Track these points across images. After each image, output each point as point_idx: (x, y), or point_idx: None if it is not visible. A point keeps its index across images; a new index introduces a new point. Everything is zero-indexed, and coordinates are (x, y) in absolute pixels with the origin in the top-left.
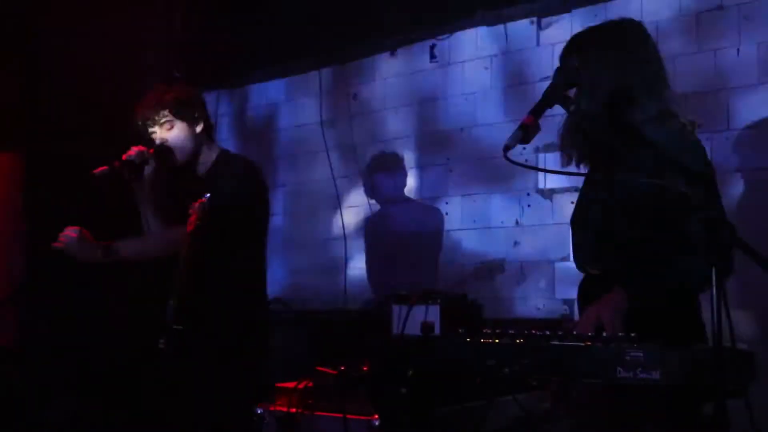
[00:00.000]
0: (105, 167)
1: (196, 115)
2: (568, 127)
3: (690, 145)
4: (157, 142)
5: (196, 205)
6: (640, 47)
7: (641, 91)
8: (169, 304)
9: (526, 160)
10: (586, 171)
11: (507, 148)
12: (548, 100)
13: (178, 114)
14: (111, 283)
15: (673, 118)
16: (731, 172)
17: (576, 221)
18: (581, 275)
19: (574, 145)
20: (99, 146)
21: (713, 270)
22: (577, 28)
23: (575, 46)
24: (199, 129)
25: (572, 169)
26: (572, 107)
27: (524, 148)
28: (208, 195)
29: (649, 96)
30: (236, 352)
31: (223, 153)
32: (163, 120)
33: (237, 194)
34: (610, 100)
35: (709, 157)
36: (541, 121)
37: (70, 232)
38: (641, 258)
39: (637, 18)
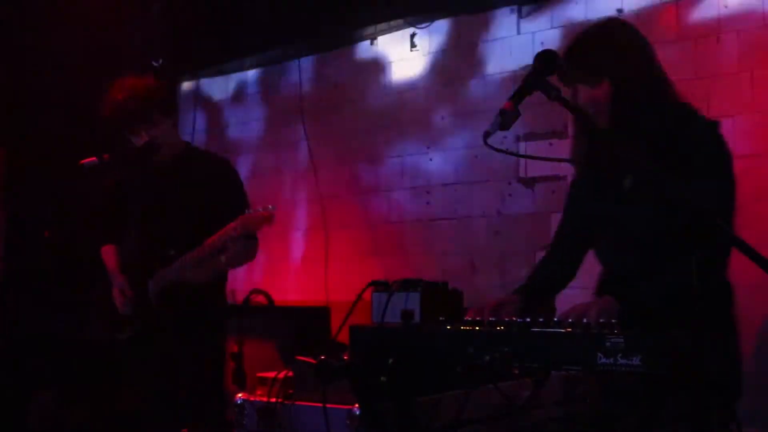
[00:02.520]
0: (93, 158)
1: (172, 109)
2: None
3: (714, 141)
4: (143, 138)
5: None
6: (643, 40)
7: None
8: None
9: (507, 149)
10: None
11: (487, 134)
12: (528, 86)
13: (163, 110)
14: (90, 278)
15: (696, 114)
16: None
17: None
18: None
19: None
20: (79, 139)
21: (693, 259)
22: (558, 17)
23: (590, 57)
24: (173, 122)
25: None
26: (553, 93)
27: (505, 137)
28: (271, 207)
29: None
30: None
31: (188, 146)
32: (151, 118)
33: (221, 192)
34: (642, 95)
35: None
36: (521, 110)
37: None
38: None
39: (618, 6)
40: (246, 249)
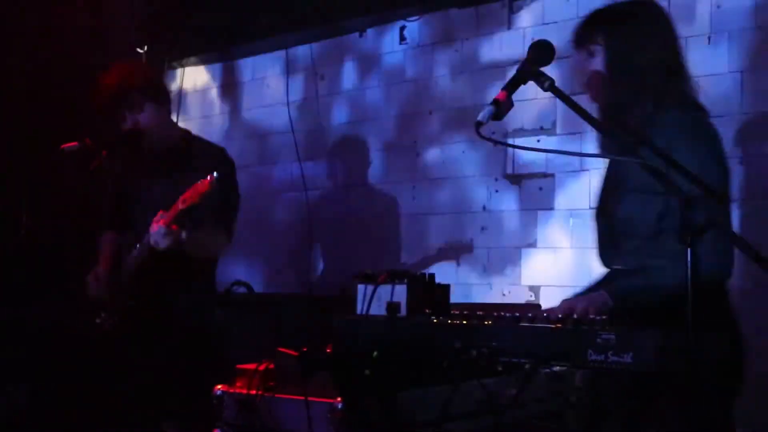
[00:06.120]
0: (75, 143)
1: (162, 95)
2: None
3: (703, 135)
4: (128, 125)
5: (204, 182)
6: (666, 27)
7: (667, 72)
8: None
9: (495, 145)
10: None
11: (479, 124)
12: (522, 76)
13: (148, 96)
14: (66, 270)
15: (692, 105)
16: None
17: (598, 211)
18: (547, 261)
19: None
20: (60, 125)
21: (688, 251)
22: (550, 13)
23: (598, 25)
24: (165, 109)
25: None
26: (547, 83)
27: (493, 133)
28: (216, 174)
29: (671, 79)
30: (187, 333)
31: (187, 134)
32: (133, 103)
33: (221, 183)
34: (639, 83)
35: None
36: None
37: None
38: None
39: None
40: (211, 238)
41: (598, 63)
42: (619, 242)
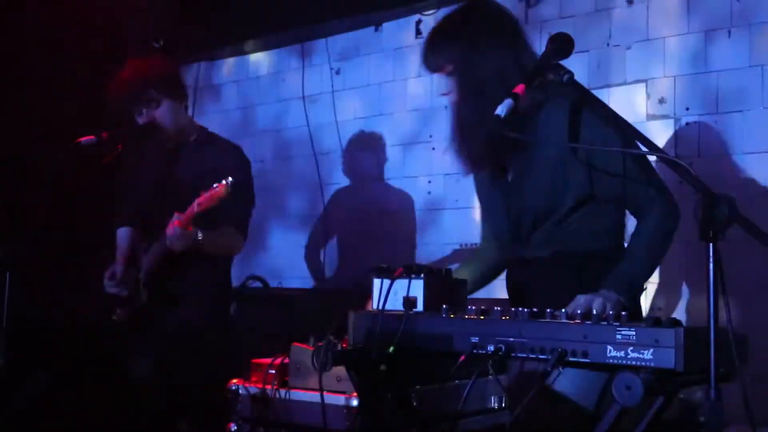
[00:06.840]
0: (92, 136)
1: (179, 91)
2: (460, 128)
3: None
4: (144, 120)
5: (220, 187)
6: (507, 25)
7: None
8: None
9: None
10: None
11: (498, 118)
12: (540, 69)
13: (164, 91)
14: (83, 259)
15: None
16: (716, 156)
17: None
18: None
19: (472, 144)
20: (76, 119)
21: (710, 247)
22: (567, 6)
23: (442, 46)
24: (182, 104)
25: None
26: (566, 76)
27: None
28: (231, 179)
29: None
30: (203, 325)
31: (204, 131)
32: (149, 98)
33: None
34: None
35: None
36: None
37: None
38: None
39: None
40: (228, 237)
41: (457, 80)
42: (529, 232)
